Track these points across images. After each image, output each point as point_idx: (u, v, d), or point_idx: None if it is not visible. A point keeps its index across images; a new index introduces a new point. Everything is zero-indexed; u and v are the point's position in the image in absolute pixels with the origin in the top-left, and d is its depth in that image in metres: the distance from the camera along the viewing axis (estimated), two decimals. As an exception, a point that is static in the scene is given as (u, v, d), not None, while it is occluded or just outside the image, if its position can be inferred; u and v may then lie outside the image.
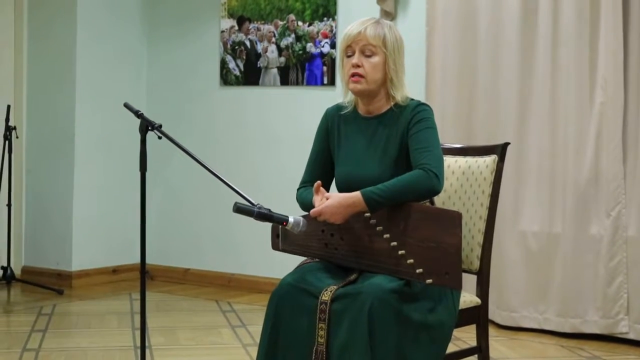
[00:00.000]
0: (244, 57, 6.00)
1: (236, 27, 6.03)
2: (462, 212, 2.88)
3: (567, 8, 4.76)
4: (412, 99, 3.03)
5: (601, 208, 4.70)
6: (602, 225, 4.69)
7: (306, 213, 3.02)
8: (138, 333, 4.63)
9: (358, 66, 2.96)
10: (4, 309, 5.35)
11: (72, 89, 6.01)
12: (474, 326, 3.25)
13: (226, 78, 6.09)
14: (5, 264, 5.81)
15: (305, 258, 3.11)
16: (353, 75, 2.97)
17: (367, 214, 2.86)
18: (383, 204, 2.84)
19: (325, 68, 5.66)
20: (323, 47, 5.66)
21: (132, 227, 6.09)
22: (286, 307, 2.87)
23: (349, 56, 3.00)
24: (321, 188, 2.94)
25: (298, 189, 3.14)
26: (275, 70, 5.88)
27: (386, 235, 2.84)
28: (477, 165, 3.25)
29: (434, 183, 2.84)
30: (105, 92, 6.14)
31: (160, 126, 3.08)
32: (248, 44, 5.98)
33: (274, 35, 5.87)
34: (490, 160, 3.23)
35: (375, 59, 2.97)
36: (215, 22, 6.13)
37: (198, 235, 6.24)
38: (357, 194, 2.85)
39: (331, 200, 2.88)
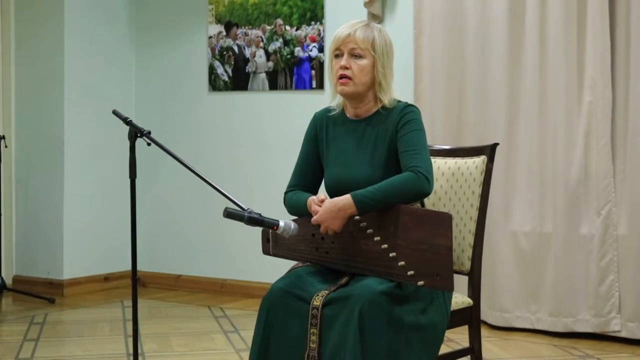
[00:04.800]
0: (232, 63, 6.00)
1: (224, 33, 6.03)
2: (452, 214, 2.88)
3: (555, 9, 4.77)
4: (400, 101, 3.03)
5: (591, 207, 4.71)
6: (592, 225, 4.70)
7: (295, 217, 3.02)
8: (131, 340, 4.61)
9: (346, 68, 2.96)
10: (-5, 318, 5.34)
11: (60, 97, 6.00)
12: (466, 327, 3.25)
13: (215, 84, 6.09)
14: (-4, 274, 5.80)
15: (296, 262, 3.10)
16: (341, 77, 2.97)
17: (357, 217, 2.86)
18: (373, 207, 2.83)
19: (313, 72, 5.66)
20: (311, 51, 5.66)
21: (123, 234, 6.07)
22: (278, 312, 2.86)
23: (337, 56, 3.00)
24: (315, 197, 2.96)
25: (286, 193, 3.13)
26: (263, 75, 5.88)
27: (377, 238, 2.84)
28: (466, 166, 3.26)
29: (424, 185, 2.84)
30: (93, 99, 6.13)
31: (150, 133, 3.08)
32: (236, 49, 5.98)
33: (262, 40, 5.86)
34: (480, 161, 3.23)
35: (364, 62, 2.97)
36: (202, 28, 6.13)
37: (189, 241, 6.23)
38: (347, 197, 2.85)
39: (323, 207, 2.88)
